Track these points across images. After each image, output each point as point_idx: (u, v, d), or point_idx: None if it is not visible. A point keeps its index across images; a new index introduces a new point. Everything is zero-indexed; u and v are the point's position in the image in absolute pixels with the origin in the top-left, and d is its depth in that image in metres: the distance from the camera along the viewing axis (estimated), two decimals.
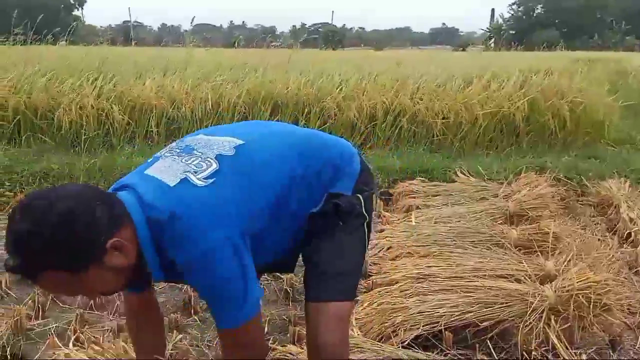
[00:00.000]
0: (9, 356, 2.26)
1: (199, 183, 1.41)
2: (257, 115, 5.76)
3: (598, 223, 3.98)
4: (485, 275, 2.69)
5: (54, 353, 2.12)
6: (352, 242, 1.63)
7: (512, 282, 2.60)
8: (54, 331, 2.45)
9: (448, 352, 2.30)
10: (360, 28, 73.20)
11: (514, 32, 40.96)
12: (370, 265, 3.08)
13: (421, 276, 2.76)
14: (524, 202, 3.76)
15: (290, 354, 2.20)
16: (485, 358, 2.26)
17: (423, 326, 2.36)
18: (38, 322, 2.54)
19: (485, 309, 2.40)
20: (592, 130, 6.39)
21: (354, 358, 2.05)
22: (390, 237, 3.37)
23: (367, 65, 7.65)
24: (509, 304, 2.41)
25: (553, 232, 3.14)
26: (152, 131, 5.67)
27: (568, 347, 2.27)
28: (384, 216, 3.91)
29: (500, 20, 46.81)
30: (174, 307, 2.73)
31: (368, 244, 1.72)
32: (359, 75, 6.73)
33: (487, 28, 44.86)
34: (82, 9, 42.88)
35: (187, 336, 2.44)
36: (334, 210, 1.60)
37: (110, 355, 2.07)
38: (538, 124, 6.18)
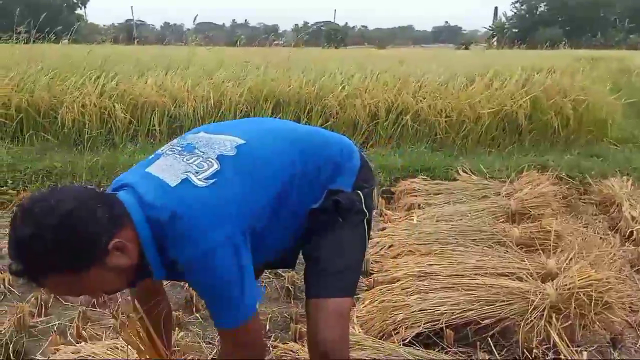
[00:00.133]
0: (11, 353, 2.27)
1: (200, 183, 1.41)
2: (259, 114, 5.77)
3: (600, 221, 3.98)
4: (486, 273, 2.69)
5: (56, 350, 2.13)
6: (352, 239, 1.63)
7: (514, 280, 2.60)
8: (56, 328, 2.46)
9: (449, 349, 2.30)
10: (362, 26, 73.10)
11: (517, 30, 40.92)
12: (371, 263, 3.09)
13: (422, 274, 2.76)
14: (526, 200, 3.76)
15: (291, 351, 2.20)
16: (486, 356, 2.26)
17: (424, 324, 2.36)
18: (41, 319, 2.55)
19: (486, 307, 2.40)
20: (595, 129, 6.39)
21: (355, 355, 2.05)
22: (392, 235, 3.37)
23: (369, 64, 7.64)
24: (510, 301, 2.41)
25: (555, 230, 3.14)
26: (154, 129, 5.68)
27: (569, 345, 2.26)
28: (386, 214, 3.91)
29: (503, 19, 46.71)
30: (176, 304, 2.73)
31: (368, 240, 1.72)
32: (361, 73, 6.73)
33: (490, 26, 44.79)
34: (84, 7, 42.92)
35: (188, 333, 2.45)
36: (334, 207, 1.60)
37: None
38: (540, 122, 6.18)
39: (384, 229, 3.57)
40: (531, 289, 2.43)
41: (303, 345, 2.19)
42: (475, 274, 2.68)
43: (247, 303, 1.44)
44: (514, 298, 2.42)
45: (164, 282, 2.85)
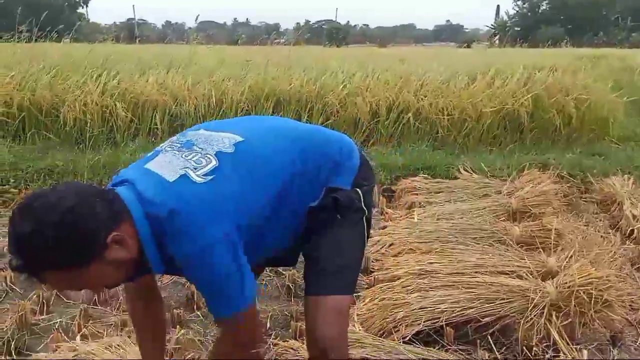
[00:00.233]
0: (13, 350, 2.28)
1: (198, 180, 1.42)
2: (260, 112, 5.77)
3: (601, 220, 3.98)
4: (486, 271, 2.70)
5: (57, 347, 2.14)
6: (351, 237, 1.64)
7: (514, 278, 2.60)
8: (58, 326, 2.47)
9: (449, 347, 2.31)
10: (364, 25, 73.12)
11: (518, 28, 40.82)
12: (372, 261, 3.09)
13: (423, 272, 2.76)
14: (527, 199, 3.76)
15: (292, 349, 2.21)
16: (486, 354, 2.26)
17: (424, 322, 2.37)
18: (42, 317, 2.56)
19: (486, 305, 2.41)
20: (597, 128, 6.38)
21: (355, 353, 2.06)
22: (393, 233, 3.37)
23: (370, 62, 7.64)
24: (510, 299, 2.42)
25: (555, 229, 3.14)
26: (155, 128, 5.69)
27: (569, 343, 2.27)
28: (387, 213, 3.91)
29: (505, 17, 46.69)
30: (177, 302, 2.74)
31: (368, 238, 1.72)
32: (362, 72, 6.73)
33: (492, 25, 44.76)
34: (86, 6, 42.91)
35: (189, 331, 2.46)
36: (333, 205, 1.61)
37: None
38: (542, 120, 6.17)
39: (384, 227, 3.57)
40: (531, 287, 2.44)
41: (303, 343, 2.19)
42: (476, 272, 2.68)
43: (245, 295, 1.45)
44: (514, 296, 2.43)
45: (166, 281, 2.89)
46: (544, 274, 2.65)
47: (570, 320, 2.35)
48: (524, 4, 46.75)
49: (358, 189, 1.65)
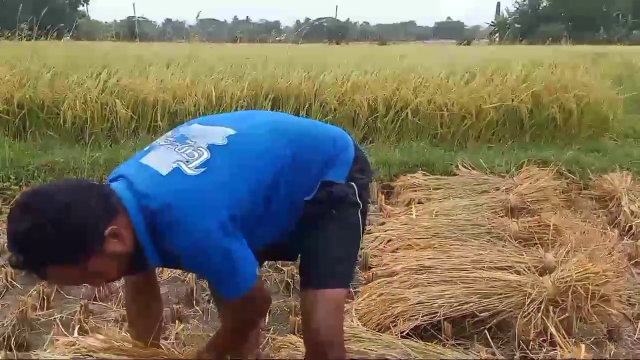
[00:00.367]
0: (14, 346, 2.30)
1: (190, 172, 1.45)
2: (259, 109, 5.77)
3: (599, 216, 3.99)
4: (484, 267, 2.71)
5: (56, 339, 2.15)
6: (345, 231, 1.65)
7: (512, 273, 2.62)
8: (58, 321, 2.49)
9: (446, 342, 2.32)
10: (364, 22, 73.01)
11: (519, 26, 40.77)
12: (370, 257, 3.10)
13: (421, 268, 2.78)
14: (526, 195, 3.78)
15: (290, 343, 2.22)
16: (484, 348, 2.28)
17: (422, 317, 2.38)
18: (43, 312, 2.58)
19: (484, 300, 2.42)
20: (596, 124, 6.38)
21: (353, 347, 2.07)
22: (391, 230, 3.38)
23: (369, 60, 7.65)
24: (507, 295, 2.43)
25: (553, 225, 3.15)
26: (156, 125, 5.70)
27: (566, 337, 2.28)
28: (385, 209, 3.93)
29: (506, 14, 46.62)
30: (177, 298, 2.76)
31: (364, 231, 1.73)
32: (361, 69, 6.73)
33: (492, 22, 44.72)
34: (87, 4, 42.86)
35: (188, 326, 2.47)
36: (327, 199, 1.62)
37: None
38: (541, 117, 6.18)
39: (383, 223, 3.59)
40: (528, 282, 2.45)
41: (301, 338, 2.20)
42: (474, 268, 2.70)
43: (247, 274, 1.50)
44: (511, 291, 2.44)
45: (165, 277, 2.90)
46: (541, 270, 2.67)
47: (567, 315, 2.37)
48: (524, 1, 46.67)
49: (353, 183, 1.66)
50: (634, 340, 2.45)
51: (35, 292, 2.68)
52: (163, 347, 1.92)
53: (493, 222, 3.31)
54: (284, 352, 2.19)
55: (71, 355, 1.90)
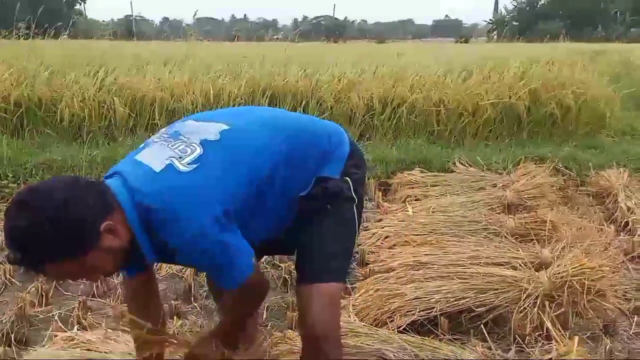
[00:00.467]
0: (13, 342, 2.31)
1: (183, 168, 1.46)
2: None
3: (596, 212, 4.00)
4: (481, 262, 2.72)
5: (55, 335, 2.17)
6: (341, 226, 1.66)
7: (508, 269, 2.63)
8: (57, 318, 2.50)
9: (443, 337, 2.33)
10: (362, 20, 73.01)
11: (517, 23, 40.75)
12: (368, 253, 3.12)
13: (418, 264, 2.79)
14: (522, 191, 3.80)
15: (288, 338, 2.23)
16: (480, 343, 2.29)
17: (419, 312, 2.39)
18: (41, 309, 2.59)
19: (480, 295, 2.44)
20: (593, 122, 6.39)
21: (350, 342, 2.08)
22: (389, 226, 3.39)
23: (367, 58, 7.66)
24: (503, 290, 2.44)
25: (550, 221, 3.17)
26: (154, 123, 5.70)
27: (562, 332, 2.29)
28: (383, 206, 3.94)
29: (504, 12, 46.59)
30: (175, 294, 2.77)
31: (359, 226, 1.74)
32: (358, 67, 6.75)
33: (491, 20, 44.71)
34: (84, 3, 42.77)
35: (186, 322, 2.49)
36: (322, 194, 1.63)
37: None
38: (539, 114, 6.19)
39: (380, 220, 3.60)
40: (525, 278, 2.46)
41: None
42: (470, 264, 2.71)
43: (243, 265, 1.52)
44: (507, 286, 2.46)
45: (163, 273, 2.91)
46: (537, 265, 2.68)
47: (563, 310, 2.38)
48: None
49: (348, 178, 1.67)
50: (630, 335, 2.47)
51: (33, 289, 2.70)
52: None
53: (490, 219, 3.33)
54: (281, 348, 2.20)
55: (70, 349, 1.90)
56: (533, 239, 3.08)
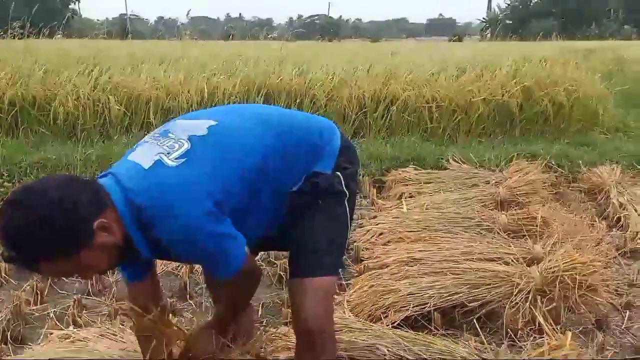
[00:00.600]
0: (9, 340, 2.32)
1: (171, 163, 1.48)
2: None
3: (588, 208, 4.03)
4: (473, 258, 2.75)
5: (50, 333, 2.18)
6: (332, 220, 1.68)
7: (500, 264, 2.66)
8: (52, 316, 2.51)
9: (436, 332, 2.35)
10: (357, 19, 73.04)
11: (510, 22, 40.86)
12: (362, 250, 3.14)
13: (412, 260, 2.81)
14: (515, 188, 3.82)
15: (283, 335, 2.25)
16: (473, 338, 2.31)
17: (413, 307, 2.41)
18: (37, 307, 2.59)
19: (473, 290, 2.46)
20: (586, 119, 6.42)
21: (344, 337, 2.10)
22: (383, 223, 3.41)
23: (361, 56, 7.67)
24: (496, 285, 2.47)
25: (542, 217, 3.20)
26: (149, 122, 5.71)
27: (554, 326, 2.31)
28: (377, 203, 3.96)
29: (497, 10, 46.68)
30: (170, 292, 2.78)
31: (351, 220, 1.76)
32: (352, 65, 6.76)
33: (484, 18, 44.81)
34: (78, 2, 42.59)
35: (182, 320, 2.50)
36: (313, 189, 1.65)
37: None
38: (531, 112, 6.22)
39: (375, 217, 3.62)
40: (517, 273, 2.49)
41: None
42: (463, 259, 2.73)
43: (237, 255, 1.54)
44: (499, 281, 2.48)
45: (159, 271, 2.92)
46: (529, 260, 2.71)
47: (555, 304, 2.40)
48: None
49: (339, 173, 1.68)
50: (622, 330, 2.49)
51: (29, 287, 2.70)
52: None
53: (483, 215, 3.36)
54: (276, 344, 2.21)
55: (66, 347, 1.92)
56: (525, 235, 3.11)
